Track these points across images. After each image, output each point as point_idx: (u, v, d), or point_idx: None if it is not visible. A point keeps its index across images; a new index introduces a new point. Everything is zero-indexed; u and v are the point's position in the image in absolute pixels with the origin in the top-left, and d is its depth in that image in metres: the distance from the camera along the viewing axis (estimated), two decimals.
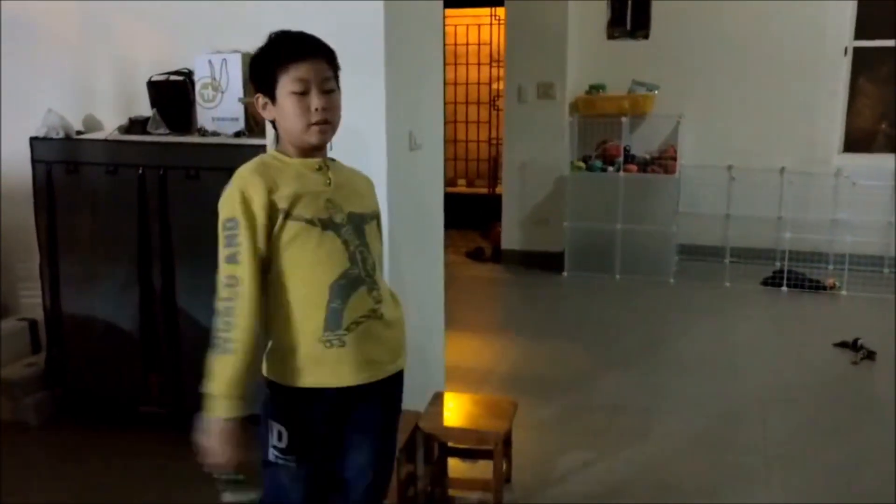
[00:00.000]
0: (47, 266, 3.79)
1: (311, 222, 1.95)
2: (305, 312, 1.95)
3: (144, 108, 3.69)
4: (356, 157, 3.05)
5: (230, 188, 1.95)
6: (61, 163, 3.66)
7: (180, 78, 3.60)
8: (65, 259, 3.75)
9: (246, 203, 1.91)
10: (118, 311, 3.66)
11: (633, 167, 6.47)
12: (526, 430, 3.59)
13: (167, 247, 3.52)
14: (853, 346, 4.84)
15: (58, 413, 3.93)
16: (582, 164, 6.60)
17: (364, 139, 3.06)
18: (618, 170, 6.43)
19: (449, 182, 8.52)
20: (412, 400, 3.30)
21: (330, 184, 2.02)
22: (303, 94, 1.94)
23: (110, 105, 3.93)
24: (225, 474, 1.96)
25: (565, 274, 6.61)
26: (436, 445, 3.18)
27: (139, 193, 3.54)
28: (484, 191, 9.09)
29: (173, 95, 3.62)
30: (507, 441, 3.23)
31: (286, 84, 1.95)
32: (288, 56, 1.96)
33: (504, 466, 3.19)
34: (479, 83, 9.15)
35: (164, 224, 3.51)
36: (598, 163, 6.56)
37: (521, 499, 3.23)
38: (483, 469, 3.24)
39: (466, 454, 3.36)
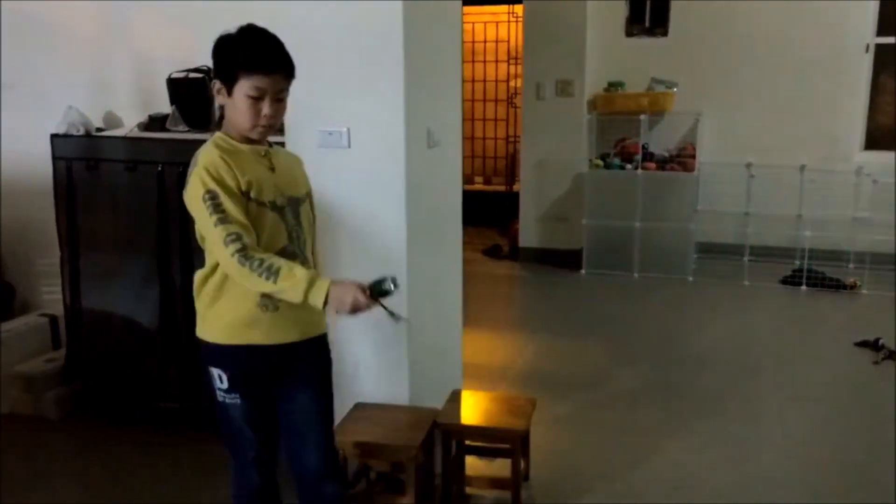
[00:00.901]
0: (67, 262, 3.81)
1: (264, 205, 2.21)
2: None
3: (164, 105, 3.71)
4: (374, 154, 3.07)
5: (198, 168, 2.15)
6: (81, 159, 3.69)
7: (199, 75, 3.61)
8: (85, 255, 3.78)
9: (218, 178, 2.13)
10: (138, 306, 3.68)
11: (652, 165, 6.44)
12: (544, 427, 3.58)
13: (186, 243, 3.52)
14: (874, 345, 4.79)
15: (77, 408, 3.95)
16: (600, 162, 6.57)
17: (382, 137, 3.05)
18: (636, 167, 6.40)
19: (466, 179, 8.50)
20: (430, 397, 3.31)
21: (273, 170, 2.28)
22: (257, 99, 2.15)
23: (129, 102, 3.95)
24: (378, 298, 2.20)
25: (583, 272, 6.58)
26: (453, 443, 3.18)
27: (159, 190, 3.56)
28: (501, 188, 9.09)
29: (192, 92, 3.63)
30: (525, 439, 3.22)
31: (244, 87, 2.14)
32: (252, 66, 2.14)
33: (522, 464, 3.18)
34: (496, 80, 9.13)
35: (183, 220, 3.51)
36: (617, 160, 6.53)
37: (539, 497, 3.22)
38: (500, 467, 3.23)
39: (484, 452, 3.35)
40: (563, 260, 6.74)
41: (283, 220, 2.27)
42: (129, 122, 3.83)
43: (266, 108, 2.16)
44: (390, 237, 3.11)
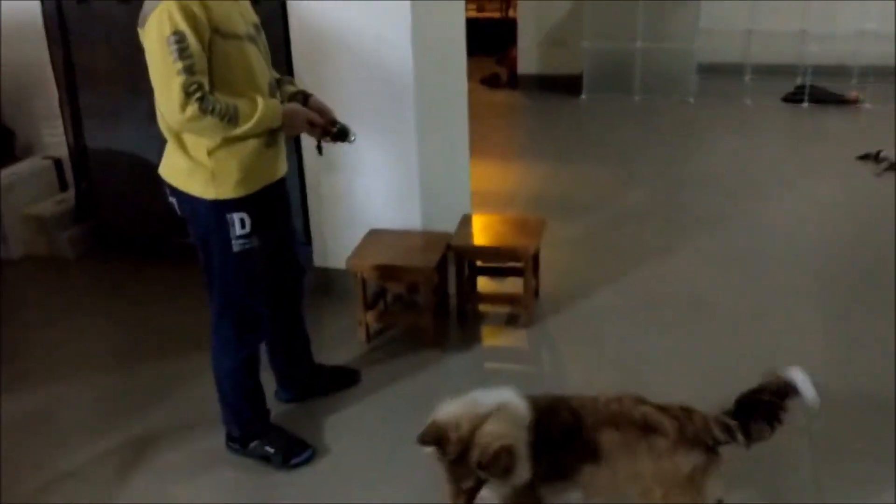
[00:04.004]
0: (67, 102, 3.75)
1: (240, 38, 2.04)
2: None
3: None
4: None
5: (167, 3, 1.93)
6: None
7: None
8: (85, 94, 3.72)
9: (190, 17, 1.93)
10: (143, 143, 3.64)
11: None
12: (552, 248, 3.64)
13: None
14: (875, 158, 4.81)
15: (93, 247, 4.01)
16: None
17: None
18: None
19: None
20: (441, 222, 3.36)
21: None
22: None
23: None
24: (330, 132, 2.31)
25: (584, 97, 6.51)
26: (466, 264, 3.25)
27: None
28: (496, 15, 8.79)
29: None
30: (536, 257, 3.29)
31: None
32: None
33: (533, 282, 3.26)
34: None
35: None
36: None
37: (549, 312, 3.32)
38: (512, 286, 3.32)
39: (496, 272, 3.43)
40: (564, 86, 6.63)
41: (261, 51, 2.13)
42: None
43: None
44: (395, 60, 3.04)
